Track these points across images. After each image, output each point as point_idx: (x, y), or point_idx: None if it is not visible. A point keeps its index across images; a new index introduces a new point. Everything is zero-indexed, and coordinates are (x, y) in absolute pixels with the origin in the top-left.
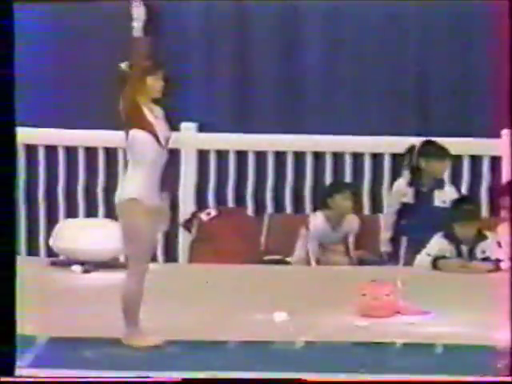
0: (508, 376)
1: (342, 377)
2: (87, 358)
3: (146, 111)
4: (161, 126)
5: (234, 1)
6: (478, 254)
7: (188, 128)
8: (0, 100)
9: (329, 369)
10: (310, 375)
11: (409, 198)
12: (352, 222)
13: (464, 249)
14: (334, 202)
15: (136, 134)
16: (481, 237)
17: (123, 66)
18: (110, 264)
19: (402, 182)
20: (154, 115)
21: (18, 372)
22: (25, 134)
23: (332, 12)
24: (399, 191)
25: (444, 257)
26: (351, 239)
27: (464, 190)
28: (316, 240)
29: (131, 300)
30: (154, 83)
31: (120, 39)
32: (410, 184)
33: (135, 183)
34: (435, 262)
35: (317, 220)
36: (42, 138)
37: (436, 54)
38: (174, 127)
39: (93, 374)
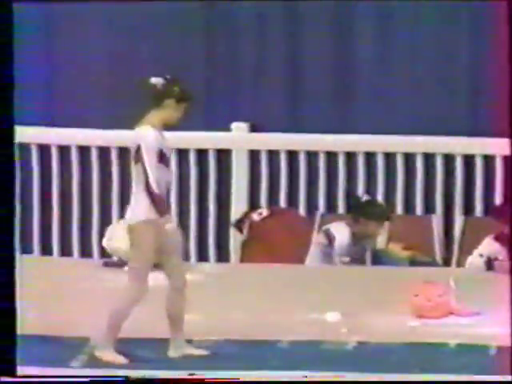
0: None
1: (394, 377)
2: (139, 357)
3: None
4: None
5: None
6: None
7: (240, 128)
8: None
9: (381, 369)
10: (362, 375)
11: None
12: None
13: None
14: (367, 224)
15: None
16: None
17: (154, 81)
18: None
19: None
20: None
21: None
22: (78, 137)
23: (384, 11)
24: None
25: (496, 258)
26: (368, 251)
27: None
28: (338, 256)
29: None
30: (178, 113)
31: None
32: None
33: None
34: (490, 263)
35: (343, 237)
36: (95, 139)
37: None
38: (226, 128)
39: (143, 374)
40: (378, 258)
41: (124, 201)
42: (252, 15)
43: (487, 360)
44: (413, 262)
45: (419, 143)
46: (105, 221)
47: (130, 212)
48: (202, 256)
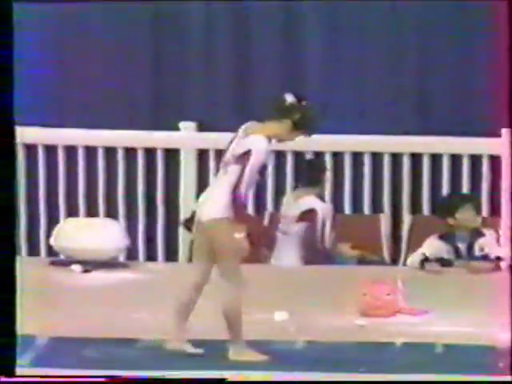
0: (508, 375)
1: (342, 376)
2: (87, 357)
3: None
4: None
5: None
6: (477, 252)
7: (187, 127)
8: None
9: (329, 368)
10: (310, 375)
11: None
12: None
13: (462, 248)
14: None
15: None
16: (478, 234)
17: (289, 99)
18: (109, 263)
19: None
20: None
21: (18, 372)
22: (25, 134)
23: (332, 9)
24: None
25: (442, 258)
26: None
27: (465, 189)
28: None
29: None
30: (290, 137)
31: (122, 37)
32: None
33: None
34: (423, 263)
35: (322, 204)
36: (42, 137)
37: (436, 52)
38: (173, 126)
39: (92, 374)
40: (327, 257)
41: (71, 200)
42: (200, 13)
43: (434, 359)
44: (361, 261)
45: (366, 142)
46: (52, 219)
47: (207, 208)
48: (151, 255)
